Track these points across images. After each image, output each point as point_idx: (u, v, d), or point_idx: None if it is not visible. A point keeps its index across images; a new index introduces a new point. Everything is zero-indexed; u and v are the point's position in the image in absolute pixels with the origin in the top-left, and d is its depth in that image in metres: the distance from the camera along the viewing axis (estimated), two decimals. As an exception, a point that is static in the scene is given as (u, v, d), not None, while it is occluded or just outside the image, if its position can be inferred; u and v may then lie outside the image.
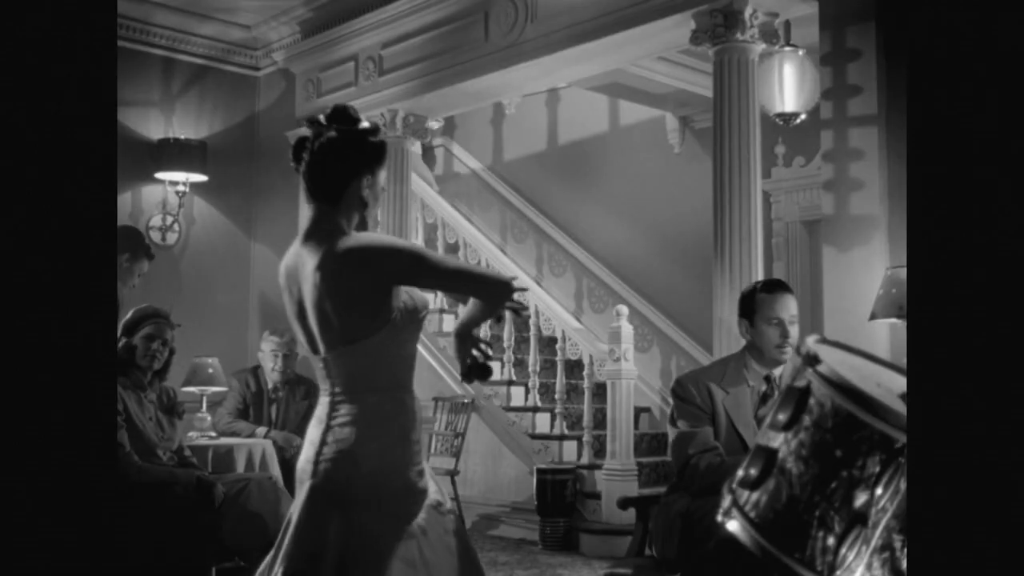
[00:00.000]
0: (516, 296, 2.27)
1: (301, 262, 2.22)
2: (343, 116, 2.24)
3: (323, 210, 2.23)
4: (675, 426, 3.10)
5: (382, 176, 2.29)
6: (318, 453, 2.18)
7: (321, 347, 2.21)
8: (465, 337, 2.30)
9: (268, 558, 2.20)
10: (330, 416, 2.20)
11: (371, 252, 2.16)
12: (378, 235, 2.25)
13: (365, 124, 2.26)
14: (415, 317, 2.24)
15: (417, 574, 2.11)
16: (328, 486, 2.16)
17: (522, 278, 7.44)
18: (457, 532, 2.26)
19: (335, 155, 2.22)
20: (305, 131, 2.26)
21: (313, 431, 2.23)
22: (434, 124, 7.73)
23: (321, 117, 2.26)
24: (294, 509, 2.20)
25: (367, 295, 2.16)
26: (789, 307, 3.10)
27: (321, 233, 2.20)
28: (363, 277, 2.14)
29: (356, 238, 2.18)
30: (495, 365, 7.04)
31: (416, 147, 8.31)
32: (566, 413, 6.55)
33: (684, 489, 3.05)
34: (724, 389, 3.09)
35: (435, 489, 2.27)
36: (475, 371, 2.30)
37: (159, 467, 4.12)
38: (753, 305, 3.12)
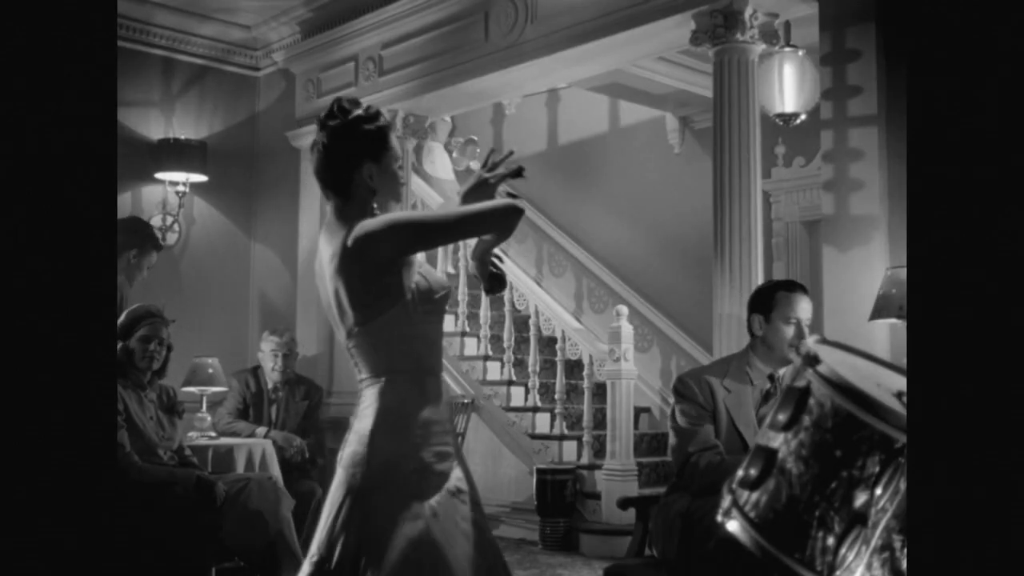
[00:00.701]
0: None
1: (320, 256, 2.27)
2: (336, 110, 2.26)
3: (336, 204, 2.27)
4: (676, 423, 3.10)
5: (389, 159, 2.28)
6: (346, 439, 2.23)
7: (343, 334, 2.25)
8: (484, 260, 2.36)
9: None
10: (360, 402, 2.25)
11: (372, 236, 2.16)
12: (378, 217, 2.25)
13: (359, 112, 2.26)
14: (430, 297, 2.25)
15: (419, 554, 2.10)
16: (347, 471, 2.18)
17: (521, 278, 7.45)
18: (475, 522, 2.24)
19: (333, 150, 2.25)
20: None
21: (351, 418, 2.28)
22: (467, 143, 7.80)
23: (322, 114, 2.29)
24: (328, 495, 2.23)
25: (376, 278, 2.18)
26: (807, 309, 3.10)
27: (334, 226, 2.24)
28: (368, 261, 2.17)
29: (359, 226, 2.19)
30: (495, 365, 7.06)
31: (446, 165, 8.33)
32: (566, 413, 6.55)
33: (684, 488, 3.04)
34: (726, 387, 3.09)
35: (459, 476, 2.26)
36: (496, 281, 2.40)
37: (159, 467, 4.12)
38: (772, 302, 3.11)
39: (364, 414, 2.21)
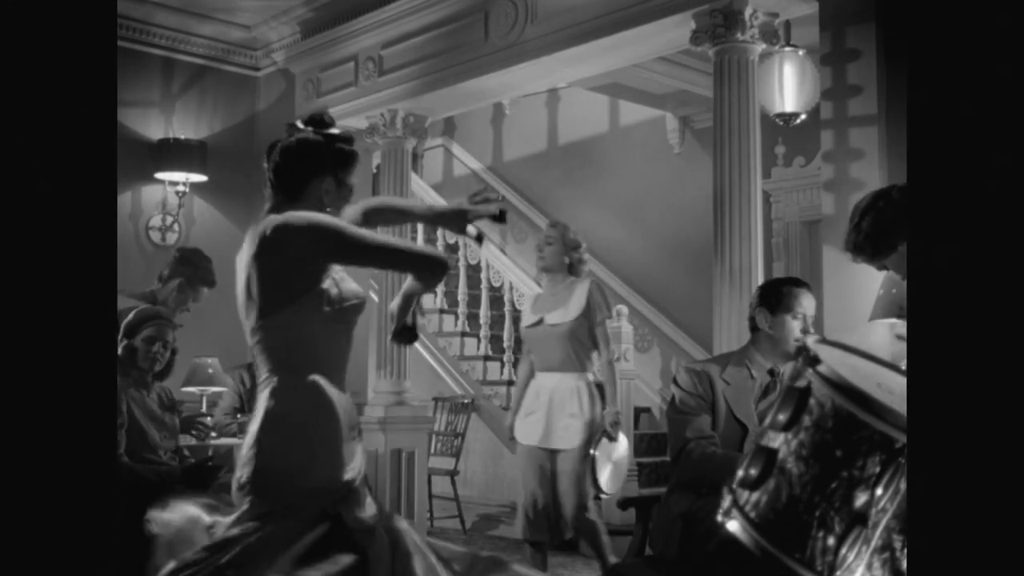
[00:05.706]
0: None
1: (243, 248, 2.28)
2: (317, 120, 2.35)
3: (279, 202, 2.29)
4: (672, 412, 3.14)
5: (348, 181, 2.35)
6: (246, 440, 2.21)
7: (248, 329, 2.24)
8: (406, 304, 2.32)
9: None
10: (261, 400, 2.21)
11: (292, 229, 2.17)
12: (305, 213, 2.24)
13: (337, 131, 2.35)
14: (338, 304, 2.22)
15: None
16: (238, 474, 2.16)
17: (520, 276, 7.44)
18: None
19: (301, 154, 2.32)
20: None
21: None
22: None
23: (299, 121, 2.39)
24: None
25: (287, 273, 2.18)
26: (811, 305, 3.17)
27: (263, 219, 2.26)
28: (283, 255, 2.17)
29: (283, 216, 2.20)
30: (495, 365, 7.05)
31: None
32: (566, 413, 6.53)
33: (677, 477, 3.07)
34: (725, 380, 3.12)
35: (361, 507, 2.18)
36: (405, 334, 2.35)
37: (146, 467, 4.10)
38: (779, 297, 3.16)
39: (255, 416, 2.18)
